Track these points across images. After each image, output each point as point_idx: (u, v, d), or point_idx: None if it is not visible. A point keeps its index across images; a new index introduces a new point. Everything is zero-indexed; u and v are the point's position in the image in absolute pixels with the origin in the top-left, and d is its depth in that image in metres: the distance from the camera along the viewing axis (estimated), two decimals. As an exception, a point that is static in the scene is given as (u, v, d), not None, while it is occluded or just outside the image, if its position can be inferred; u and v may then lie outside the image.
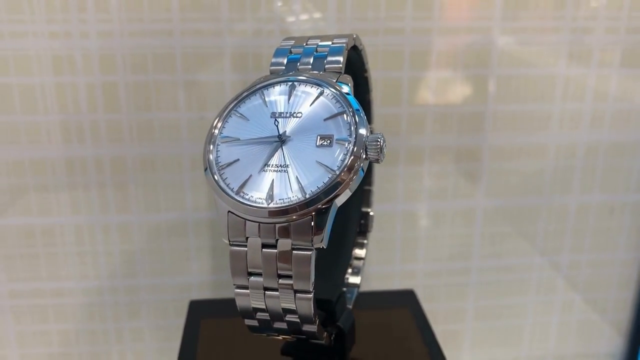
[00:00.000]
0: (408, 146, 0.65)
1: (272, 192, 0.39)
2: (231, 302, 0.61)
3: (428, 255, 0.70)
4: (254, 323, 0.42)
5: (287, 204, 0.38)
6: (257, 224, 0.39)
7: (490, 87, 0.65)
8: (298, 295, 0.40)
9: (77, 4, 0.57)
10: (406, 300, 0.58)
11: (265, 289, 0.40)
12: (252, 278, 0.40)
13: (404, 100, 0.64)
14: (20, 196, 0.62)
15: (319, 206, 0.38)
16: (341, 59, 0.43)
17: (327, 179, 0.38)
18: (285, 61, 0.44)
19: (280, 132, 0.40)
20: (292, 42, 0.45)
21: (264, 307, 0.41)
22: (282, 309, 0.41)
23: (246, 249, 0.40)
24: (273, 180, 0.39)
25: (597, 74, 0.65)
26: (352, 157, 0.39)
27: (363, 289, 0.55)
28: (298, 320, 0.41)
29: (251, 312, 0.42)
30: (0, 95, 0.59)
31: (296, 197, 0.38)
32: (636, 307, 0.76)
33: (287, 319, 0.41)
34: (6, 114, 0.60)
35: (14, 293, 0.66)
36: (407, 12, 0.61)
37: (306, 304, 0.40)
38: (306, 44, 0.45)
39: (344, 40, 0.44)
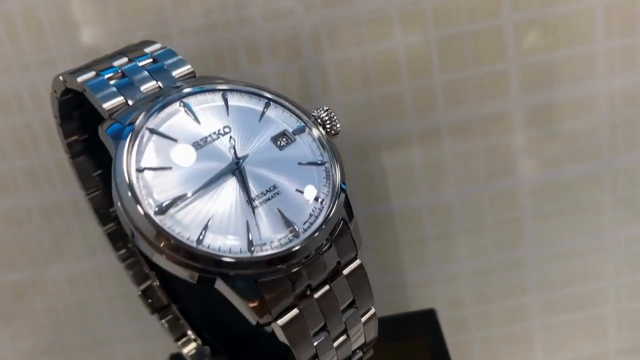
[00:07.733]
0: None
1: (292, 223, 0.31)
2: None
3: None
4: None
5: (317, 223, 0.31)
6: (301, 266, 0.31)
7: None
8: (364, 318, 0.35)
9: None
10: (424, 326, 0.46)
11: (334, 339, 0.33)
12: (317, 338, 0.33)
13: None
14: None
15: (341, 199, 0.32)
16: (188, 64, 0.36)
17: (324, 172, 0.33)
18: (120, 97, 0.34)
19: (232, 156, 0.32)
20: (93, 74, 0.35)
21: None
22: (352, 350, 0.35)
23: (297, 310, 0.31)
24: (278, 209, 0.31)
25: None
26: (324, 138, 0.33)
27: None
28: (362, 353, 0.36)
29: None
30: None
31: (318, 210, 0.32)
32: None
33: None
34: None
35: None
36: None
37: (374, 324, 0.36)
38: (114, 66, 0.36)
39: (160, 44, 0.37)
